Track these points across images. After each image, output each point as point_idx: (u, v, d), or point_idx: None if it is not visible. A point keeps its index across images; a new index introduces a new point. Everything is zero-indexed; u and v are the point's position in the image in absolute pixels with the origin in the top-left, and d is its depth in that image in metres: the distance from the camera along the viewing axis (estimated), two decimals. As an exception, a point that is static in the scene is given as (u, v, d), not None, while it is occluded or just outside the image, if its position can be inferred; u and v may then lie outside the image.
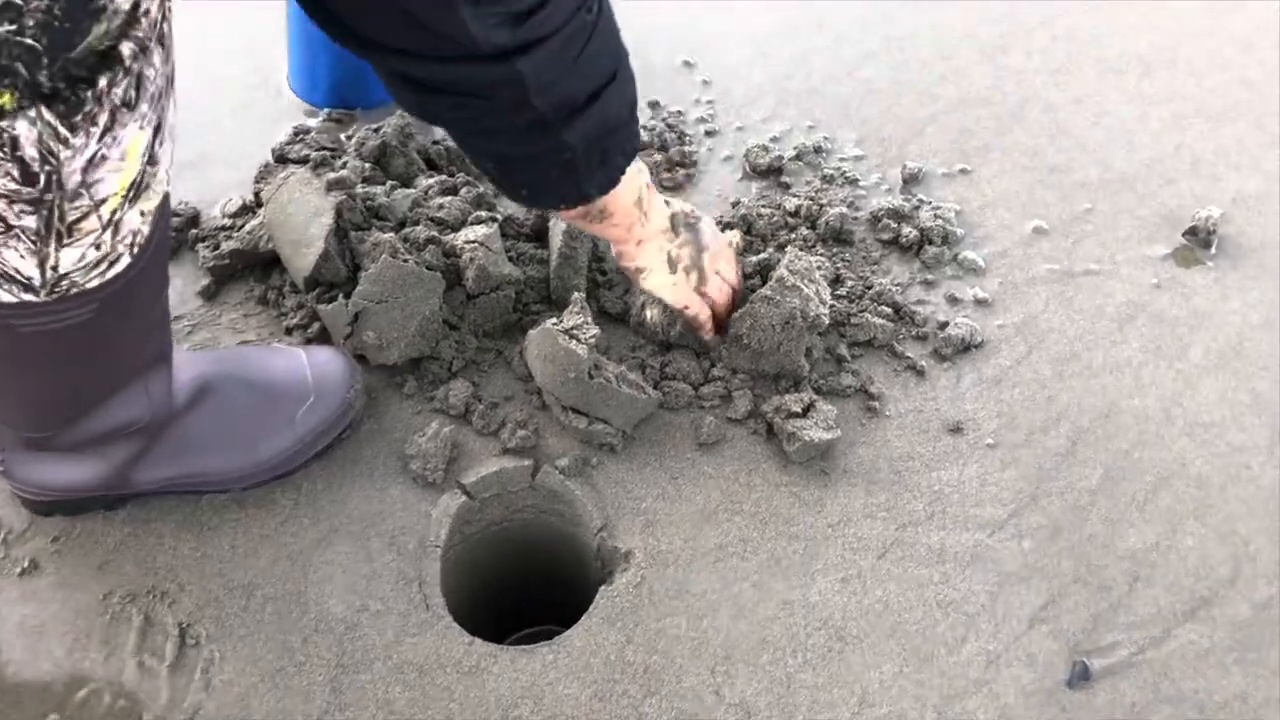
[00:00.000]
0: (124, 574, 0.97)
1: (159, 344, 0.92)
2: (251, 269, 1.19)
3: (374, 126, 1.28)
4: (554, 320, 1.05)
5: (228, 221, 1.22)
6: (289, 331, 1.15)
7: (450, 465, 1.05)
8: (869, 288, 1.21)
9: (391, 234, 1.12)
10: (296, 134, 1.32)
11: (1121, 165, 1.38)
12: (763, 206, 1.29)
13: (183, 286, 1.18)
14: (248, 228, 1.17)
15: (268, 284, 1.18)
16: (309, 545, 0.99)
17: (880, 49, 1.55)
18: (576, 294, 1.07)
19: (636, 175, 0.98)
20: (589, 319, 1.05)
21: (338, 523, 1.01)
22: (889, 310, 1.19)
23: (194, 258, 1.20)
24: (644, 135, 1.35)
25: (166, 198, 0.78)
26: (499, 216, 1.18)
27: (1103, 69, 1.52)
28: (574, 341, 1.02)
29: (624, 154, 0.92)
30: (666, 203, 1.07)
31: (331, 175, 1.15)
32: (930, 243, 1.26)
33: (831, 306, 1.16)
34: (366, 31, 0.78)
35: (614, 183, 0.93)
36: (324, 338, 1.13)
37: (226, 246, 1.17)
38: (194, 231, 1.21)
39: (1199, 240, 1.29)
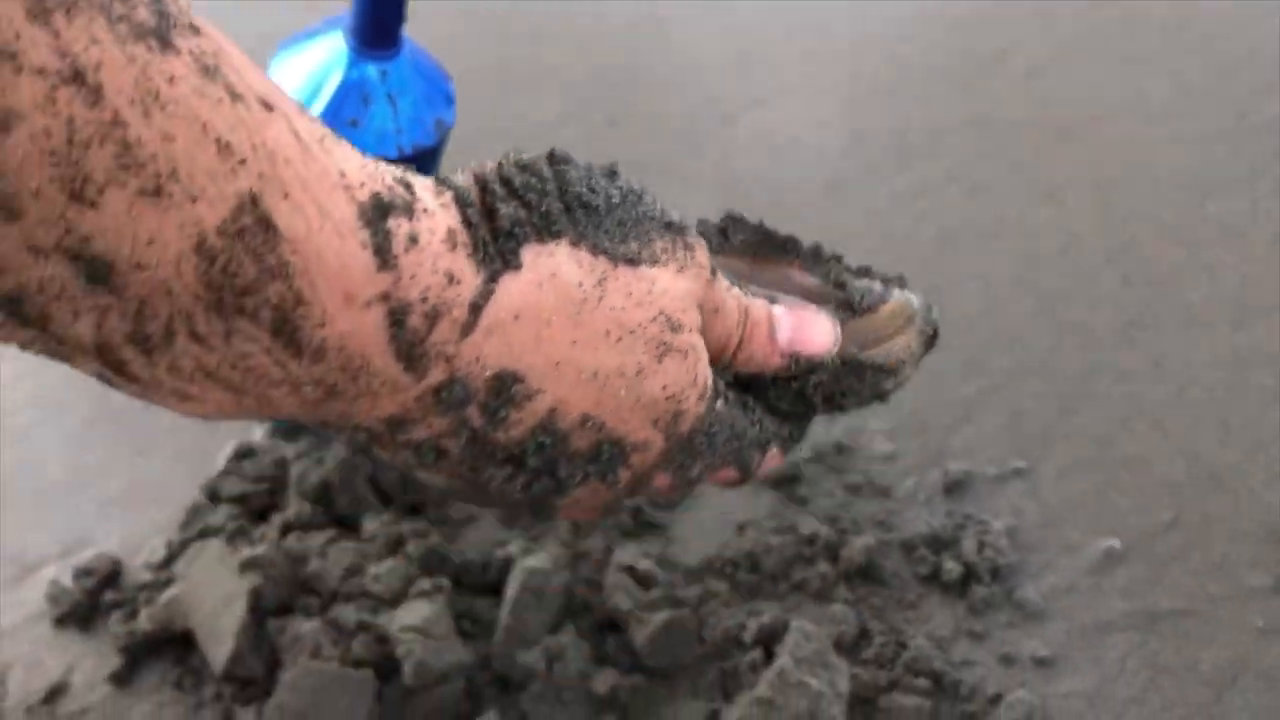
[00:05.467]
0: None
1: None
2: (169, 642, 1.03)
3: (318, 454, 1.12)
4: None
5: (149, 577, 1.06)
6: (206, 727, 0.97)
7: None
8: (903, 646, 0.99)
9: (316, 621, 0.95)
10: (237, 454, 1.16)
11: (1212, 456, 1.13)
12: (774, 534, 1.08)
13: (92, 670, 1.01)
14: (164, 599, 1.01)
15: (186, 665, 1.01)
16: None
17: (917, 300, 1.33)
18: None
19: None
20: None
21: None
22: (926, 683, 0.96)
23: (108, 626, 1.04)
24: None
25: None
26: (444, 583, 0.99)
27: (1187, 319, 1.27)
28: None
29: None
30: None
31: (248, 553, 0.98)
32: (977, 580, 1.04)
33: (854, 679, 0.95)
34: None
35: None
36: (245, 737, 0.95)
37: (142, 621, 1.01)
38: (110, 595, 1.05)
39: (1317, 562, 1.04)
